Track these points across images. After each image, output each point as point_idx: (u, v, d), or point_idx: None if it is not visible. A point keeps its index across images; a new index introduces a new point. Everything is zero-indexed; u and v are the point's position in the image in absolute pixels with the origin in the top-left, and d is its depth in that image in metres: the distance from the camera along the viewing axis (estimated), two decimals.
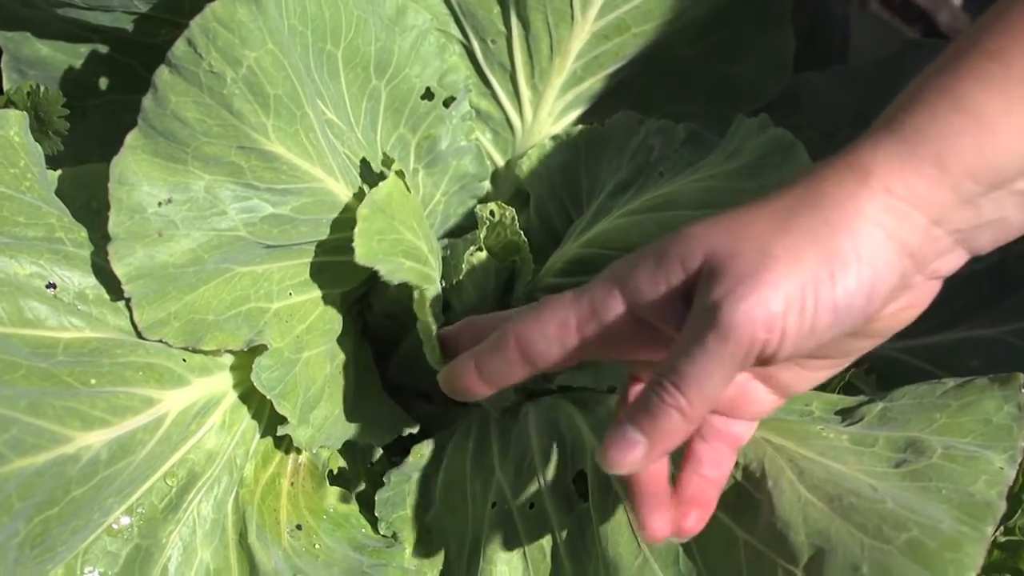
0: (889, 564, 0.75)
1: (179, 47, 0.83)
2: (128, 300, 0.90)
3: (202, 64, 0.83)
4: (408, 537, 1.02)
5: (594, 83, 1.23)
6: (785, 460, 0.87)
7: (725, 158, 1.06)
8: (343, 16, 1.03)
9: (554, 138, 1.23)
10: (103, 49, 1.13)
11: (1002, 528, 0.89)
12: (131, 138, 0.86)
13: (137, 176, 0.87)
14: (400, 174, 0.97)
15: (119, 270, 0.88)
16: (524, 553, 0.96)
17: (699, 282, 0.72)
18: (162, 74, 0.84)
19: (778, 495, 0.84)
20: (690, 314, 0.72)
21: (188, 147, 0.86)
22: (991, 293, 1.21)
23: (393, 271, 0.92)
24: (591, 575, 0.92)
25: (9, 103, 1.03)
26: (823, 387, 1.11)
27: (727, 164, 1.04)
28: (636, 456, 0.72)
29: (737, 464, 0.88)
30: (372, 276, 1.07)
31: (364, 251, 0.90)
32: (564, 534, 0.95)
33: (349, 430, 1.02)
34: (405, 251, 0.95)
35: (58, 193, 0.96)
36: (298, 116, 0.89)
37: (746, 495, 0.87)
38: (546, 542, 0.96)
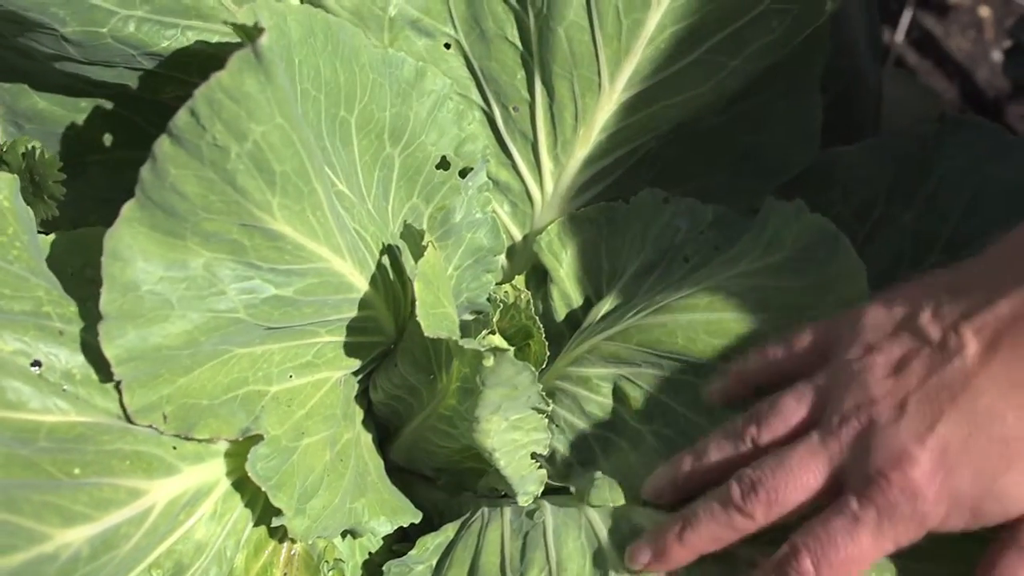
0: None
1: (181, 117, 0.76)
2: (118, 383, 0.84)
3: (205, 136, 0.76)
4: None
5: (618, 156, 1.16)
6: None
7: (763, 250, 1.00)
8: (358, 80, 0.97)
9: (574, 214, 1.17)
10: (105, 104, 1.07)
11: None
12: (127, 210, 0.79)
13: (132, 251, 0.80)
14: (432, 245, 0.94)
15: (109, 352, 0.82)
16: None
17: None
18: (162, 144, 0.77)
19: None
20: None
21: (187, 222, 0.80)
22: None
23: None
24: None
25: (1, 162, 0.97)
26: None
27: (767, 258, 0.98)
28: None
29: None
30: (379, 356, 1.02)
31: (428, 323, 0.88)
32: None
33: (348, 520, 0.96)
34: (448, 327, 0.91)
35: (51, 259, 0.90)
36: (305, 193, 0.83)
37: None
38: None
